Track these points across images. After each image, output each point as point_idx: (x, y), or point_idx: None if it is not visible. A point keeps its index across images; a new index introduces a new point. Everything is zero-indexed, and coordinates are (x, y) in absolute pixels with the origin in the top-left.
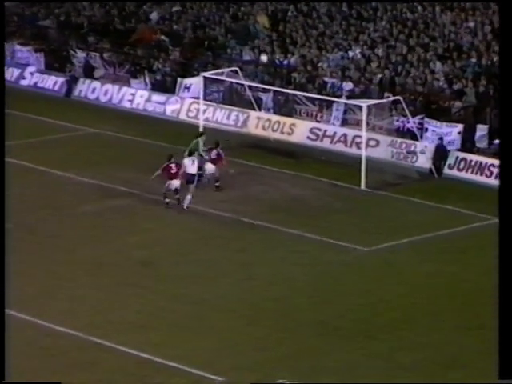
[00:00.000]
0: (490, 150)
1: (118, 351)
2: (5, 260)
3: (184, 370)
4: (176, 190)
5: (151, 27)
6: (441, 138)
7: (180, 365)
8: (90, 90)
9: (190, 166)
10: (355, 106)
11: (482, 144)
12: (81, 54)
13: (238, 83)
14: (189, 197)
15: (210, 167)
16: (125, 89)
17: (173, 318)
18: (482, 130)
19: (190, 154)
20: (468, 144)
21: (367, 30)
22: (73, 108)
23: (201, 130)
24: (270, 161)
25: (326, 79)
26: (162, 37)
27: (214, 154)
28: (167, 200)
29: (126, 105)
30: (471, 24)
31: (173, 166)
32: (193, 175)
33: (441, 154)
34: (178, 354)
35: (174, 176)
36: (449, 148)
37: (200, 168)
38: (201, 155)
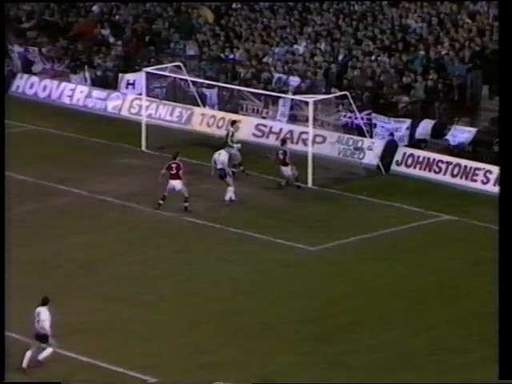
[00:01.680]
0: (438, 145)
1: (60, 356)
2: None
3: (126, 374)
4: (179, 193)
5: (91, 21)
6: (391, 134)
7: (122, 369)
8: (28, 85)
9: (217, 159)
10: (301, 101)
11: (422, 136)
12: (18, 49)
13: (181, 79)
14: (230, 188)
15: (284, 169)
16: (64, 84)
17: (114, 321)
18: (426, 123)
19: (224, 147)
20: (416, 139)
21: (313, 23)
22: (10, 104)
23: (233, 119)
24: None
25: (274, 73)
26: (103, 31)
27: (280, 154)
28: (160, 202)
29: (66, 101)
30: (419, 15)
31: (173, 165)
32: (221, 169)
33: (392, 150)
34: (119, 358)
35: (172, 177)
36: (399, 144)
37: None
38: (230, 146)
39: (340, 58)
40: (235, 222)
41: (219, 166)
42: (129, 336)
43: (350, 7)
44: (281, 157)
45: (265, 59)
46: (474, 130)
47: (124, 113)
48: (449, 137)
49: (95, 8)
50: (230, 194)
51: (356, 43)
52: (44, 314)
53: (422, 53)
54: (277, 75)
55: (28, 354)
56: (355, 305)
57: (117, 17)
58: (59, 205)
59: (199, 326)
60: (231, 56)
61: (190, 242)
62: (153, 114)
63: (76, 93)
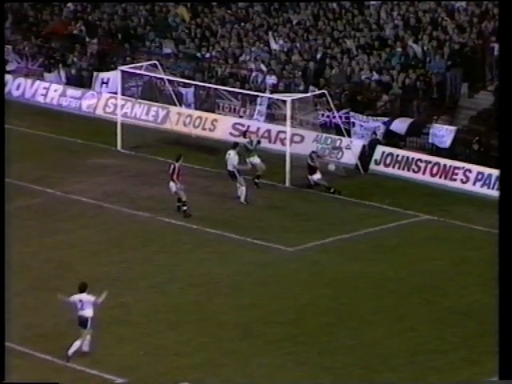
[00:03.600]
0: (417, 144)
1: (35, 358)
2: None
3: (102, 376)
4: (176, 195)
5: (65, 18)
6: (374, 133)
7: (99, 372)
8: None
9: (226, 160)
10: (279, 100)
11: (398, 130)
12: None
13: (157, 77)
14: (242, 188)
15: (315, 176)
16: (38, 83)
17: None
18: (404, 119)
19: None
20: (396, 138)
21: (290, 22)
22: None
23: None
24: (191, 158)
25: (251, 72)
26: (77, 25)
27: (310, 160)
28: (177, 204)
29: (40, 99)
30: (396, 14)
31: (171, 167)
32: (230, 171)
33: (375, 149)
34: (96, 360)
35: (170, 178)
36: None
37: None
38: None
39: (318, 56)
40: (211, 222)
41: (228, 168)
42: (105, 338)
43: (327, 5)
44: (311, 163)
45: (241, 58)
46: (453, 128)
47: (99, 112)
48: (431, 136)
49: (70, 5)
50: (242, 194)
51: (334, 41)
52: (87, 299)
53: (399, 49)
54: (254, 74)
55: (77, 343)
56: (335, 305)
57: (92, 15)
58: (34, 205)
59: (177, 328)
60: (207, 55)
61: (167, 242)
62: (128, 113)
63: (50, 91)
